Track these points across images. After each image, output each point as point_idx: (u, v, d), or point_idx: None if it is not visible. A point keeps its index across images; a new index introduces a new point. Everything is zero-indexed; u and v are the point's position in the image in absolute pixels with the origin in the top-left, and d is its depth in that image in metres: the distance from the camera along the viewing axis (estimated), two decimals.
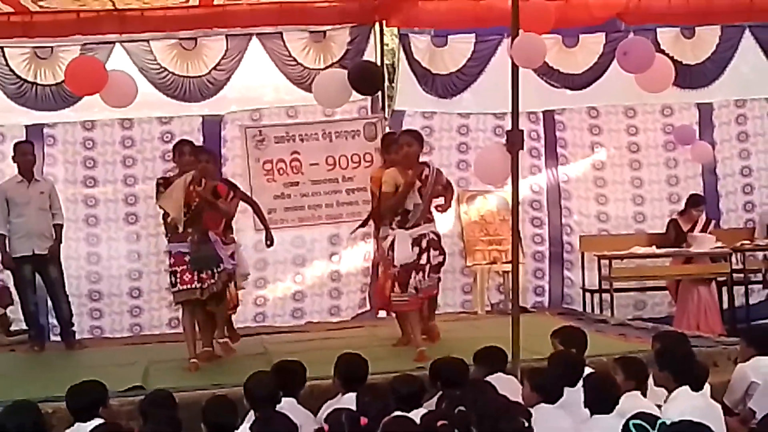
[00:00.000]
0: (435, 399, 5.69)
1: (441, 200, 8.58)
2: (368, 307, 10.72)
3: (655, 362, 5.82)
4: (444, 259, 8.43)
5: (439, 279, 8.53)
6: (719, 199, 11.81)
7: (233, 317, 9.20)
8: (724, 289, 11.10)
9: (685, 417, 4.47)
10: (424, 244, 8.23)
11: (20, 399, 5.86)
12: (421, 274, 8.19)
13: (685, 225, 11.07)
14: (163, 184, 8.34)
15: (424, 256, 8.22)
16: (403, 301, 8.24)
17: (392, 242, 8.24)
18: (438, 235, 8.41)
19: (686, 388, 5.55)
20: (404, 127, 10.84)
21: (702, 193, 11.49)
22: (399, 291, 8.19)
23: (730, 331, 10.33)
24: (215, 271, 8.14)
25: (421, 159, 8.49)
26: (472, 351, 6.34)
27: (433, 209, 8.48)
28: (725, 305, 11.06)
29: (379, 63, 10.56)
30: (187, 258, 8.12)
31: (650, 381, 5.84)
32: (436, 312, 10.45)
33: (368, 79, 8.70)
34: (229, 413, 5.16)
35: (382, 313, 9.91)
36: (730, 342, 8.09)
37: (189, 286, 8.11)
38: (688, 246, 10.92)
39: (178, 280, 8.13)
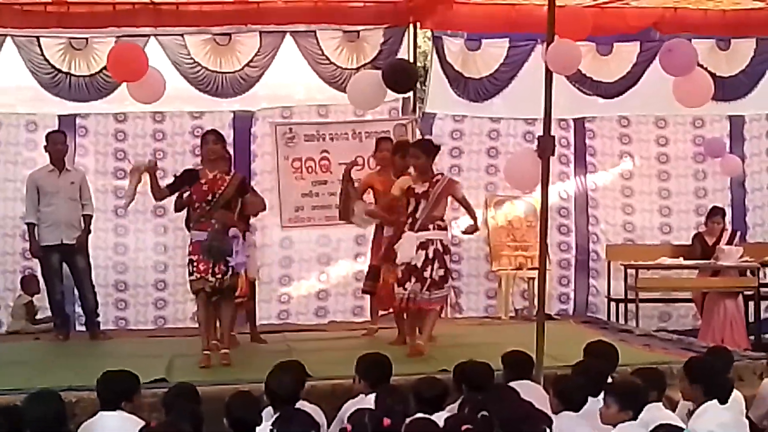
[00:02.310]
0: (457, 403, 5.68)
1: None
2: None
3: (685, 374, 5.77)
4: (446, 273, 8.43)
5: (443, 296, 8.56)
6: (746, 213, 11.77)
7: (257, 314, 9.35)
8: (751, 303, 11.01)
9: (713, 430, 4.44)
10: (430, 252, 8.31)
11: (43, 387, 5.89)
12: (419, 284, 8.27)
13: (709, 238, 11.00)
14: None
15: (428, 268, 8.29)
16: (400, 298, 8.40)
17: (399, 243, 8.41)
18: (446, 247, 8.48)
19: (715, 401, 5.51)
20: (434, 130, 10.93)
21: (729, 206, 11.45)
22: (400, 289, 8.34)
23: (755, 345, 10.27)
24: (228, 266, 7.95)
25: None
26: (495, 356, 6.32)
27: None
28: (751, 319, 10.99)
29: None
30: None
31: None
32: (460, 316, 10.54)
33: (404, 76, 8.70)
34: (252, 409, 5.16)
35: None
36: (756, 356, 8.05)
37: (203, 276, 7.92)
38: (716, 259, 10.86)
39: (194, 268, 7.97)
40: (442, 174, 8.60)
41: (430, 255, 8.30)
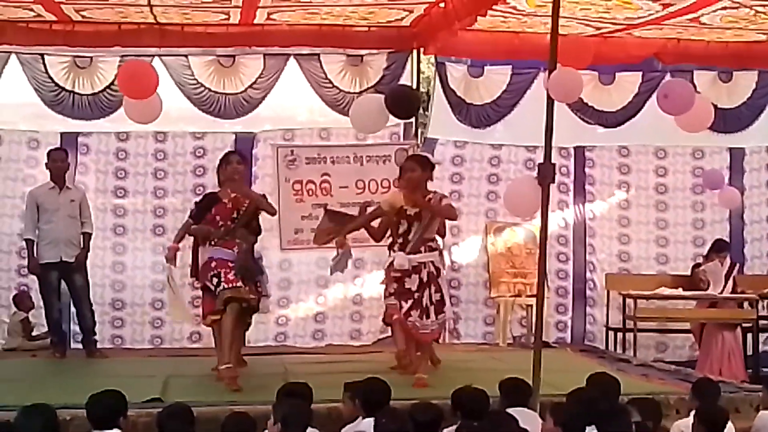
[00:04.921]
0: (453, 428, 5.65)
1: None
2: (390, 332, 10.67)
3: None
4: (442, 296, 8.29)
5: (443, 321, 8.49)
6: (744, 245, 11.76)
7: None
8: (749, 335, 11.00)
9: None
10: (424, 275, 8.17)
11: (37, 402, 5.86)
12: (419, 311, 8.13)
13: None
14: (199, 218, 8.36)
15: (426, 293, 8.16)
16: (392, 305, 8.25)
17: (391, 262, 8.27)
18: (438, 269, 8.32)
19: None
20: (435, 156, 10.94)
21: (728, 238, 11.45)
22: (391, 299, 8.26)
23: (753, 377, 10.26)
24: (256, 284, 8.22)
25: (434, 187, 8.63)
26: (492, 383, 6.28)
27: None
28: (749, 351, 10.97)
29: None
30: (231, 264, 8.04)
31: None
32: (457, 342, 10.54)
33: (406, 102, 8.72)
34: (248, 431, 5.15)
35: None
36: (753, 389, 8.02)
37: (234, 285, 7.94)
38: (705, 282, 10.87)
39: (223, 279, 7.95)
40: (435, 192, 8.43)
41: (425, 278, 8.18)
